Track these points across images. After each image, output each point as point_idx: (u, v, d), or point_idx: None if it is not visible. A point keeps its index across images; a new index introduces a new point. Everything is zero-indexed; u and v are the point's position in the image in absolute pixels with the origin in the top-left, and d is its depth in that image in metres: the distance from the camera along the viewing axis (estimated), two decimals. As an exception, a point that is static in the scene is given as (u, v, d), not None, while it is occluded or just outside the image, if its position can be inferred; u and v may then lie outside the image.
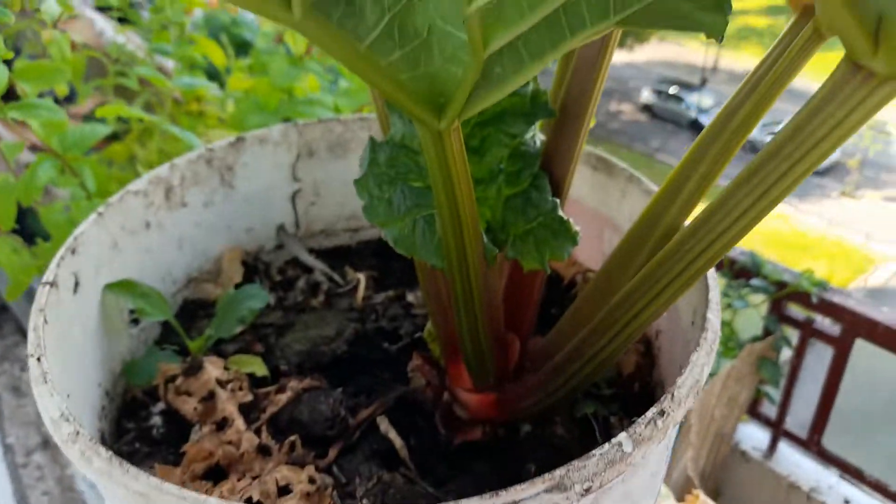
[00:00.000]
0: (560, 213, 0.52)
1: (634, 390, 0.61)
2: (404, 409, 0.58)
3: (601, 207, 0.68)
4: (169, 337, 0.66)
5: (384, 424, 0.55)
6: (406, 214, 0.49)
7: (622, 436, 0.36)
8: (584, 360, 0.50)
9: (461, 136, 0.41)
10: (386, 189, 0.50)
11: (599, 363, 0.49)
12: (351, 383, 0.61)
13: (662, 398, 0.39)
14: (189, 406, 0.55)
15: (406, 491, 0.50)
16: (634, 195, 0.64)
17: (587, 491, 0.34)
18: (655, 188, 0.62)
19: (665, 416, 0.37)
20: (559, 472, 0.34)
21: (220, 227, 0.72)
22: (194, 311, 0.69)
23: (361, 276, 0.72)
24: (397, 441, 0.54)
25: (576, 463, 0.35)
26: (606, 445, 0.35)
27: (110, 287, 0.58)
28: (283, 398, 0.56)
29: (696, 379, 0.40)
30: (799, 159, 0.35)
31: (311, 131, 0.75)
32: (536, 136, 0.55)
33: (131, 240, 0.61)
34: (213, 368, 0.58)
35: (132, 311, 0.63)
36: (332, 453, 0.53)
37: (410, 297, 0.69)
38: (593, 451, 0.35)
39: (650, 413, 0.38)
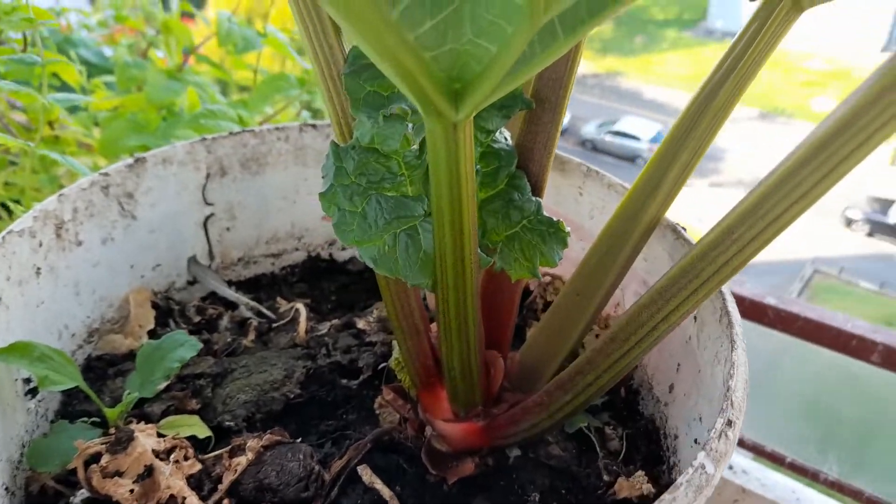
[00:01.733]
0: (545, 213, 0.47)
1: (622, 396, 0.58)
2: (382, 452, 0.51)
3: (556, 207, 0.64)
4: (74, 405, 0.54)
5: (367, 474, 0.48)
6: (385, 229, 0.42)
7: (702, 456, 0.31)
8: (582, 385, 0.45)
9: (472, 130, 0.35)
10: (358, 201, 0.42)
11: (600, 387, 0.45)
12: (313, 431, 0.53)
13: (723, 408, 0.35)
14: (123, 489, 0.44)
15: (411, 550, 0.43)
16: (594, 191, 0.60)
17: (687, 528, 0.28)
18: (619, 181, 0.59)
19: (732, 425, 0.33)
20: (655, 513, 0.29)
21: (123, 265, 0.61)
22: (102, 371, 0.57)
23: (300, 306, 0.63)
24: (385, 491, 0.47)
25: (665, 497, 0.29)
26: (690, 471, 0.30)
27: (-1, 354, 0.46)
28: (241, 461, 0.46)
29: (744, 379, 0.37)
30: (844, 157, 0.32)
31: (222, 146, 0.65)
32: (504, 132, 0.49)
33: (18, 291, 0.49)
34: (145, 438, 0.47)
35: (27, 381, 0.51)
36: (314, 519, 0.45)
37: (361, 324, 0.61)
38: (679, 480, 0.30)
39: (718, 426, 0.33)
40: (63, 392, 0.54)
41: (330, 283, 0.72)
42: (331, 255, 0.75)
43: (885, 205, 10.12)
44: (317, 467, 0.47)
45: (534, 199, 0.48)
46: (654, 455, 0.52)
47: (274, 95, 0.90)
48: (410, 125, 0.43)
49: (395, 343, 0.56)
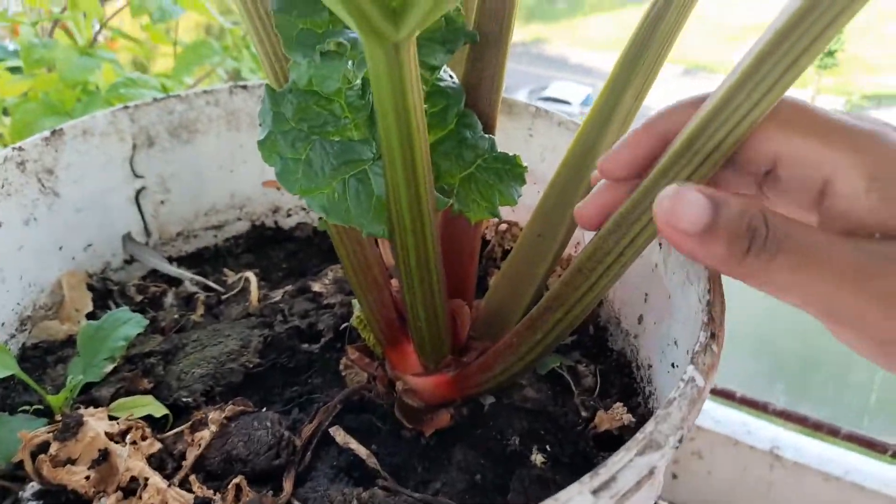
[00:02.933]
0: (499, 150, 0.46)
1: (590, 333, 0.57)
2: (353, 413, 0.49)
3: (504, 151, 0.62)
4: (13, 398, 0.50)
5: (340, 435, 0.46)
6: (332, 175, 0.40)
7: (690, 370, 0.31)
8: (552, 322, 0.44)
9: (416, 53, 0.33)
10: (301, 148, 0.40)
11: (570, 323, 0.44)
12: (278, 399, 0.51)
13: (706, 322, 0.34)
14: (78, 477, 0.41)
15: (393, 505, 0.41)
16: (544, 131, 0.59)
17: (681, 440, 0.28)
18: (569, 118, 0.58)
19: (716, 338, 0.33)
20: (647, 429, 0.28)
21: (51, 247, 0.57)
22: (40, 359, 0.53)
23: (250, 275, 0.60)
24: (361, 450, 0.46)
25: (660, 412, 0.29)
26: (681, 384, 0.30)
27: (-80, 348, 0.42)
28: (204, 435, 0.44)
29: (721, 297, 0.36)
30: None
31: (146, 114, 0.61)
32: (448, 70, 0.48)
33: (-65, 280, 0.45)
34: (96, 422, 0.44)
35: (-44, 376, 0.47)
36: (288, 485, 0.43)
37: (316, 287, 0.59)
38: (671, 396, 0.30)
39: (702, 339, 0.33)
40: (-1, 386, 0.50)
41: (278, 251, 0.69)
42: (276, 223, 0.72)
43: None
44: (286, 433, 0.45)
45: (486, 136, 0.46)
46: (628, 388, 0.52)
47: (196, 64, 0.85)
48: (350, 62, 0.41)
49: (355, 302, 0.54)
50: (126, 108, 0.59)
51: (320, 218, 0.70)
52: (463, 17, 0.45)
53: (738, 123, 0.34)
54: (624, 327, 0.55)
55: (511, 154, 0.45)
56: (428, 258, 0.42)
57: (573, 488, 0.25)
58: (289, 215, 0.72)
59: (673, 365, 0.43)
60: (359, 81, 0.40)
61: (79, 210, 0.58)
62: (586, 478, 0.26)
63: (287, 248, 0.69)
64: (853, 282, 0.27)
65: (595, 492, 0.25)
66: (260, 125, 0.40)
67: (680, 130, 0.36)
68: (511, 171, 0.45)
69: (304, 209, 0.72)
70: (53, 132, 0.55)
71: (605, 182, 0.40)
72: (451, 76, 0.47)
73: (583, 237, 0.59)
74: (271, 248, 0.70)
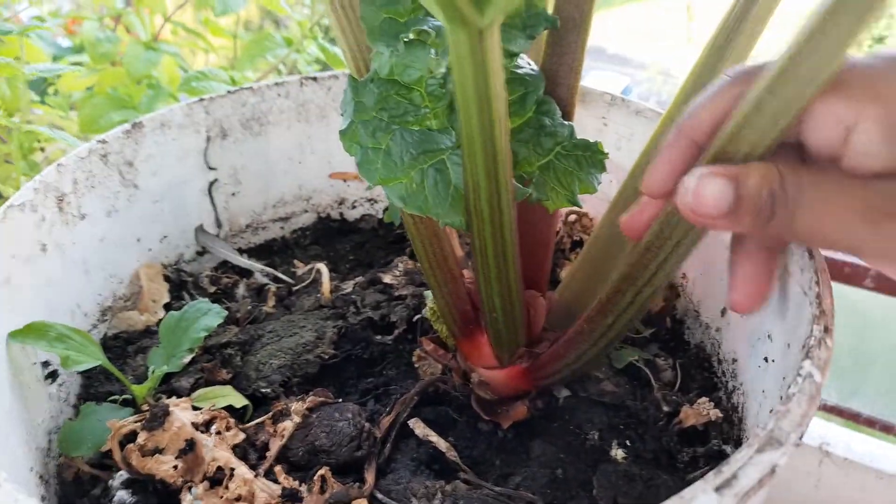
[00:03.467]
0: (577, 138, 0.45)
1: (667, 326, 0.56)
2: (430, 405, 0.49)
3: (578, 138, 0.61)
4: (97, 387, 0.51)
5: (419, 427, 0.46)
6: (411, 165, 0.39)
7: (807, 365, 0.30)
8: (623, 305, 0.42)
9: (500, 42, 0.32)
10: (381, 137, 0.39)
11: (640, 305, 0.42)
12: (354, 390, 0.51)
13: (817, 315, 0.33)
14: (166, 466, 0.42)
15: (475, 499, 0.41)
16: (620, 120, 0.58)
17: (801, 437, 0.27)
18: (647, 106, 0.56)
19: (829, 332, 0.31)
20: (769, 425, 0.27)
21: (130, 239, 0.58)
22: (121, 349, 0.55)
23: (321, 266, 0.60)
24: (441, 443, 0.45)
25: (779, 409, 0.28)
26: (800, 380, 0.29)
27: (15, 336, 0.44)
28: (287, 426, 0.44)
29: (830, 288, 0.35)
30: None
31: (220, 107, 0.62)
32: (526, 57, 0.47)
33: (26, 270, 0.46)
34: (181, 412, 0.45)
35: (45, 364, 0.48)
36: (370, 477, 0.43)
37: (387, 279, 0.59)
38: (790, 391, 0.28)
39: (816, 333, 0.31)
40: (83, 374, 0.51)
41: (344, 243, 0.69)
42: (341, 214, 0.72)
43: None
44: (367, 425, 0.45)
45: (566, 123, 0.45)
46: (709, 382, 0.51)
47: (260, 56, 0.86)
48: (433, 51, 0.40)
49: (427, 294, 0.54)
50: (201, 100, 0.60)
51: (386, 209, 0.70)
52: (544, 1, 0.44)
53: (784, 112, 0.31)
54: (703, 320, 0.53)
55: (591, 141, 0.44)
56: (506, 250, 0.41)
57: (697, 486, 0.24)
58: (354, 207, 0.72)
59: (766, 359, 0.41)
60: (441, 70, 0.39)
61: (156, 202, 0.59)
62: (710, 475, 0.25)
63: (353, 240, 0.69)
64: (868, 219, 0.28)
65: (718, 489, 0.24)
66: (341, 115, 0.39)
67: (710, 128, 0.34)
68: (591, 157, 0.44)
69: (368, 201, 0.72)
70: (134, 125, 0.56)
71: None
72: (529, 63, 0.46)
73: (659, 227, 0.57)
74: (338, 239, 0.70)
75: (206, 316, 0.51)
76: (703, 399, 0.46)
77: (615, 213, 0.52)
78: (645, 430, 0.47)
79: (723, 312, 0.50)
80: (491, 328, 0.47)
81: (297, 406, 0.45)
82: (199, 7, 0.93)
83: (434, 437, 0.45)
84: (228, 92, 0.62)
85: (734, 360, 0.48)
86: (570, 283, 0.55)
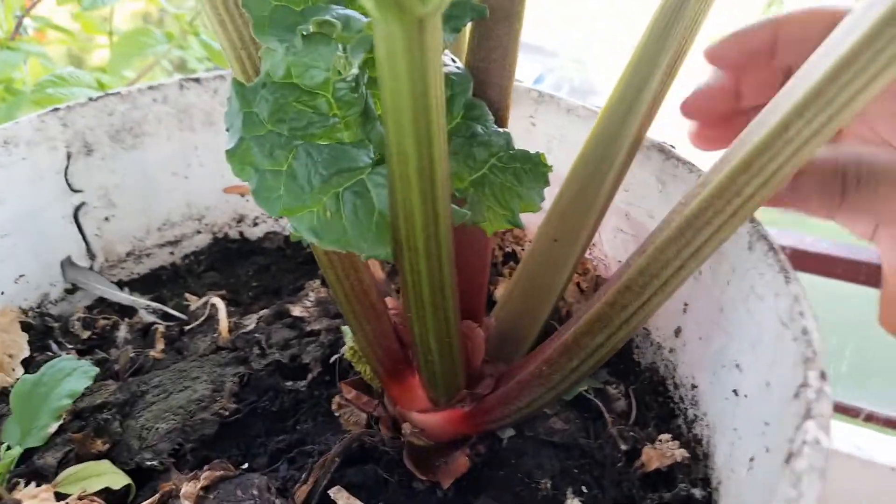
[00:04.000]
0: (515, 148, 0.38)
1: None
2: (354, 465, 0.41)
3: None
4: (-66, 475, 0.40)
5: (342, 498, 0.38)
6: (322, 189, 0.32)
7: (811, 427, 0.24)
8: (592, 348, 0.37)
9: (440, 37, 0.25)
10: (281, 157, 0.32)
11: (612, 347, 0.37)
12: (262, 452, 0.43)
13: (810, 358, 0.27)
14: (19, 584, 0.33)
15: (417, 585, 0.34)
16: (550, 119, 0.52)
17: None
18: (579, 103, 0.50)
19: (825, 378, 0.26)
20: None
21: (-27, 283, 0.47)
22: (-34, 422, 0.44)
23: (216, 300, 0.51)
24: (370, 515, 0.38)
25: (788, 492, 0.22)
26: (807, 450, 0.23)
27: None
28: (178, 514, 0.36)
29: (816, 321, 0.30)
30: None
31: (81, 117, 0.51)
32: (449, 54, 0.40)
33: None
34: (39, 506, 0.35)
35: None
36: (287, 571, 0.35)
37: (296, 311, 0.50)
38: (798, 468, 0.23)
39: (813, 382, 0.26)
40: (-86, 462, 0.41)
41: (246, 267, 0.60)
42: (241, 233, 0.63)
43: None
44: (277, 501, 0.37)
45: (501, 130, 0.38)
46: (665, 409, 0.46)
47: (136, 54, 0.75)
48: (340, 46, 0.32)
49: (346, 329, 0.46)
50: (56, 110, 0.50)
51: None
52: (467, -11, 0.37)
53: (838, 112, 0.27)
54: (654, 339, 0.48)
55: (532, 151, 0.38)
56: (444, 284, 0.34)
57: None
58: (255, 224, 0.63)
59: (736, 393, 0.36)
60: (353, 70, 0.32)
61: (5, 235, 0.49)
62: None
63: (256, 263, 0.61)
64: None
65: None
66: (227, 130, 0.31)
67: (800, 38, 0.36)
68: (532, 171, 0.38)
69: (273, 217, 0.64)
70: (-35, 144, 0.45)
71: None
72: (453, 59, 0.40)
73: (599, 238, 0.52)
74: (238, 263, 0.61)
75: (72, 377, 0.41)
76: (666, 436, 0.41)
77: (552, 226, 0.46)
78: (602, 474, 0.42)
79: (676, 332, 0.45)
80: (425, 370, 0.40)
81: (188, 488, 0.36)
82: (62, 1, 0.81)
83: (362, 509, 0.38)
84: (90, 99, 0.52)
85: (693, 387, 0.43)
86: (507, 306, 0.49)
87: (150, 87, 0.54)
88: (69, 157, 0.51)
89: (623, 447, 0.42)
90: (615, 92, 0.43)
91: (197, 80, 0.56)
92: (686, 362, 0.44)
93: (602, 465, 0.42)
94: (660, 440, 0.41)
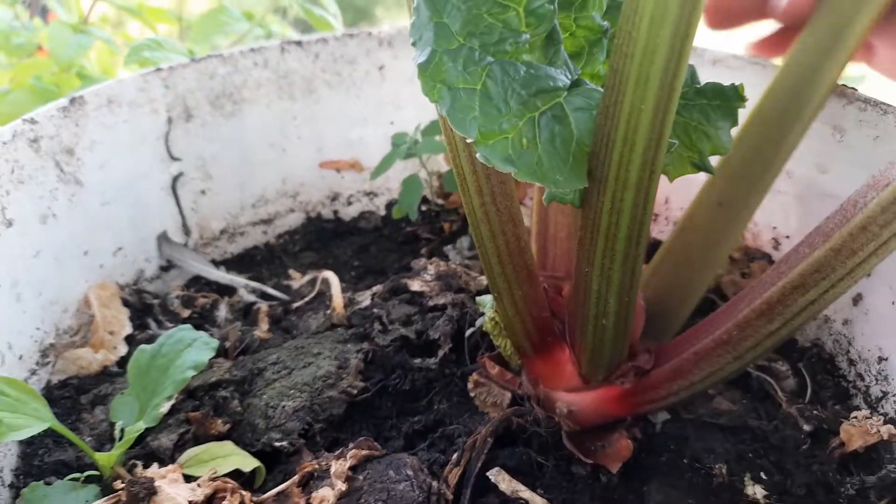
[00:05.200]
0: (700, 82, 0.34)
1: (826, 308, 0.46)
2: (504, 447, 0.37)
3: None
4: (42, 456, 0.37)
5: (504, 481, 0.34)
6: (519, 112, 0.28)
7: None
8: (797, 309, 0.32)
9: None
10: (476, 73, 0.28)
11: (818, 311, 0.32)
12: (395, 434, 0.39)
13: None
14: (159, 571, 0.28)
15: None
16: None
17: None
18: (731, 53, 0.46)
19: None
20: None
21: (74, 252, 0.43)
22: (71, 401, 0.40)
23: (329, 275, 0.47)
24: (536, 500, 0.33)
25: None
26: None
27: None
28: (326, 496, 0.31)
29: None
30: None
31: (183, 79, 0.48)
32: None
33: (-71, 301, 0.32)
34: (170, 486, 0.31)
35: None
36: (457, 560, 0.30)
37: (415, 285, 0.46)
38: None
39: None
40: (21, 441, 0.37)
41: (343, 247, 0.56)
42: (335, 212, 0.59)
43: None
44: (434, 483, 0.33)
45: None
46: (840, 388, 0.41)
47: (216, 33, 0.72)
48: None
49: (483, 300, 0.42)
50: (159, 70, 0.47)
51: (390, 204, 0.57)
52: None
53: None
54: (823, 313, 0.43)
55: (724, 84, 0.33)
56: (642, 227, 0.30)
57: None
58: (349, 203, 0.60)
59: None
60: (552, -26, 0.28)
61: (106, 203, 0.45)
62: None
63: (354, 243, 0.57)
64: None
65: None
66: (414, 44, 0.27)
67: None
68: (723, 107, 0.34)
69: (367, 195, 0.60)
70: (73, 100, 0.42)
71: None
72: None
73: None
74: (335, 243, 0.57)
75: (193, 348, 0.37)
76: (863, 412, 0.36)
77: (716, 188, 0.41)
78: (783, 458, 0.37)
79: (854, 301, 0.40)
80: (590, 339, 0.36)
81: (337, 466, 0.32)
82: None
83: (526, 493, 0.34)
84: (192, 60, 0.48)
85: (881, 360, 0.38)
86: (653, 277, 0.44)
87: (252, 50, 0.51)
88: (170, 121, 0.48)
89: (806, 427, 0.37)
90: (807, 34, 0.38)
91: (298, 44, 0.52)
92: (867, 333, 0.39)
93: (781, 449, 0.37)
94: (855, 417, 0.36)
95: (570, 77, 0.29)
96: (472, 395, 0.41)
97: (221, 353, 0.44)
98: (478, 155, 0.27)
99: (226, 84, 0.50)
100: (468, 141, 0.27)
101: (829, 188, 0.41)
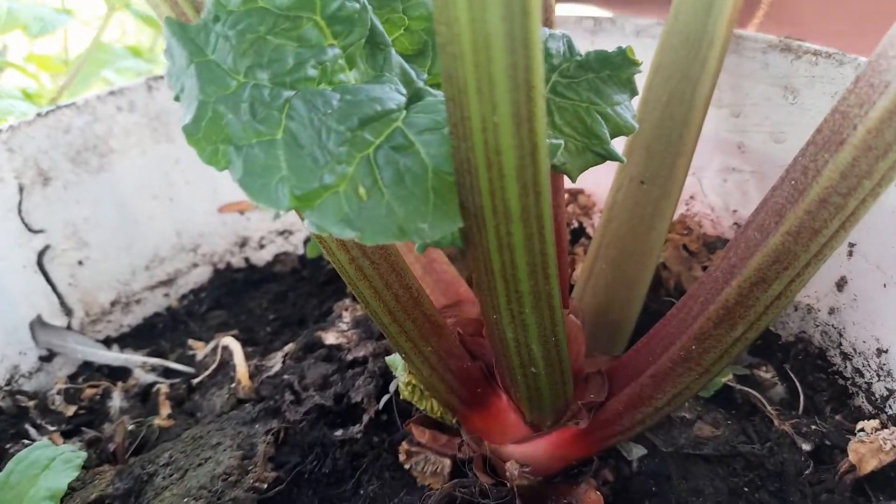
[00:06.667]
0: (581, 52, 0.28)
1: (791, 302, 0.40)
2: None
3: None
4: None
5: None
6: (346, 154, 0.21)
7: None
8: (761, 308, 0.27)
9: None
10: (270, 118, 0.21)
11: (785, 305, 0.27)
12: (318, 532, 0.32)
13: None
14: None
15: None
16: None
17: None
18: (654, 21, 0.40)
19: None
20: None
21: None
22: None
23: (230, 341, 0.41)
24: None
25: None
26: None
27: None
28: None
29: None
30: None
31: (30, 138, 0.42)
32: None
33: None
34: None
35: None
36: None
37: (330, 338, 0.40)
38: None
39: None
40: None
41: (258, 298, 0.50)
42: (246, 259, 0.53)
43: None
44: None
45: (557, 32, 0.28)
46: (837, 388, 0.35)
47: (97, 74, 0.65)
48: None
49: (393, 360, 0.36)
50: (-5, 133, 0.40)
51: (307, 240, 0.51)
52: None
53: None
54: (802, 301, 0.37)
55: (611, 50, 0.27)
56: (546, 259, 0.25)
57: None
58: (262, 246, 0.53)
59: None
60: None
61: (-50, 300, 0.39)
62: None
63: (270, 291, 0.50)
64: None
65: None
66: (176, 98, 0.21)
67: None
68: (614, 77, 0.28)
69: (281, 234, 0.53)
70: None
71: None
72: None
73: (699, 188, 0.41)
74: (248, 295, 0.51)
75: (51, 470, 0.31)
76: (870, 423, 0.30)
77: (637, 164, 0.35)
78: (785, 487, 0.31)
79: (839, 285, 0.34)
80: (522, 388, 0.30)
81: None
82: (6, 29, 0.71)
83: None
84: (38, 115, 0.42)
85: (881, 352, 0.32)
86: (590, 281, 0.38)
87: (111, 93, 0.44)
88: (21, 189, 0.41)
89: (805, 447, 0.32)
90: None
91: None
92: (860, 322, 0.33)
93: (779, 476, 0.31)
94: (863, 430, 0.30)
95: (404, 92, 0.22)
96: (406, 466, 0.35)
97: (109, 457, 0.38)
98: (306, 223, 0.20)
99: (86, 136, 0.44)
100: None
101: (788, 159, 0.35)
